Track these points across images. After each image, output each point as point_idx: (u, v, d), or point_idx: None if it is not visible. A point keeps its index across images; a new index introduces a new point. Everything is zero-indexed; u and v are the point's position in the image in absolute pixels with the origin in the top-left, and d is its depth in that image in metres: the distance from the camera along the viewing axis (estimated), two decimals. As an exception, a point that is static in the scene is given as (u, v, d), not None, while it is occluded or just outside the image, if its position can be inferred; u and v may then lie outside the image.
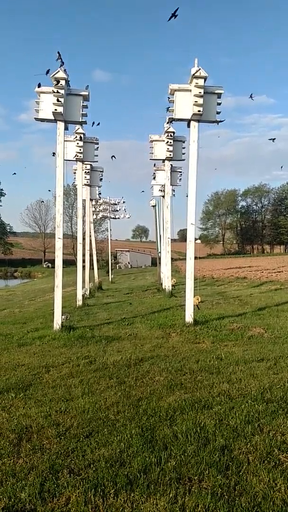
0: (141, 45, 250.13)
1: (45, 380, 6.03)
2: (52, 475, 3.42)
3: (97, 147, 16.25)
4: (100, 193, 24.45)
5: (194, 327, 9.62)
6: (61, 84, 9.54)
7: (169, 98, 10.27)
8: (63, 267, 10.38)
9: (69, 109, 10.06)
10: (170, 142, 16.81)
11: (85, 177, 19.02)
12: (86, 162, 18.11)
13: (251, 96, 17.41)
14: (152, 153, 17.74)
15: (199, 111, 9.86)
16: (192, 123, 10.25)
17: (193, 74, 9.66)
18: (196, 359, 6.85)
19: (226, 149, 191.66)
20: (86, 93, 10.22)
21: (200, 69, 9.63)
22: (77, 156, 15.74)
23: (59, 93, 9.55)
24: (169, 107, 10.46)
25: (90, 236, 24.88)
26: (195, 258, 10.62)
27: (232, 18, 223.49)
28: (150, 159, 18.26)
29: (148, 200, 26.90)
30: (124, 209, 35.70)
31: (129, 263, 74.80)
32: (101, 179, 21.28)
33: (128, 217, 36.33)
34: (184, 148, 16.99)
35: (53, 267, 11.46)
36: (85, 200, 20.20)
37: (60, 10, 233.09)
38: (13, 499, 3.11)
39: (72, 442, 3.99)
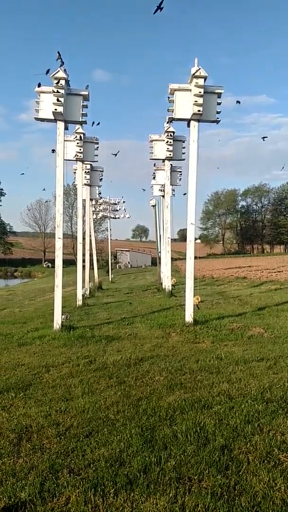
0: (141, 45, 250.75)
1: (45, 380, 6.03)
2: (52, 474, 3.42)
3: (97, 147, 16.25)
4: (100, 193, 24.43)
5: (194, 326, 9.62)
6: (61, 84, 9.54)
7: (169, 97, 10.27)
8: (63, 267, 10.38)
9: (69, 109, 10.06)
10: (170, 142, 16.80)
11: (85, 177, 19.02)
12: (86, 162, 18.11)
13: (238, 102, 17.49)
14: (152, 152, 17.72)
15: (199, 110, 9.86)
16: (192, 123, 10.25)
17: (193, 74, 9.66)
18: (196, 359, 6.86)
19: (226, 149, 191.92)
20: (86, 93, 10.23)
21: (200, 68, 9.63)
22: (77, 156, 15.74)
23: (59, 93, 9.55)
24: (169, 108, 10.46)
25: (90, 236, 24.90)
26: (195, 258, 10.62)
27: (232, 18, 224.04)
28: (150, 159, 18.25)
29: (148, 200, 26.92)
30: (124, 209, 35.70)
31: (129, 263, 74.77)
32: (101, 179, 21.32)
33: (128, 217, 36.34)
34: (184, 148, 16.97)
35: (53, 266, 11.46)
36: (85, 200, 20.20)
37: (60, 10, 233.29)
38: (13, 499, 3.12)
39: (72, 441, 4.00)
